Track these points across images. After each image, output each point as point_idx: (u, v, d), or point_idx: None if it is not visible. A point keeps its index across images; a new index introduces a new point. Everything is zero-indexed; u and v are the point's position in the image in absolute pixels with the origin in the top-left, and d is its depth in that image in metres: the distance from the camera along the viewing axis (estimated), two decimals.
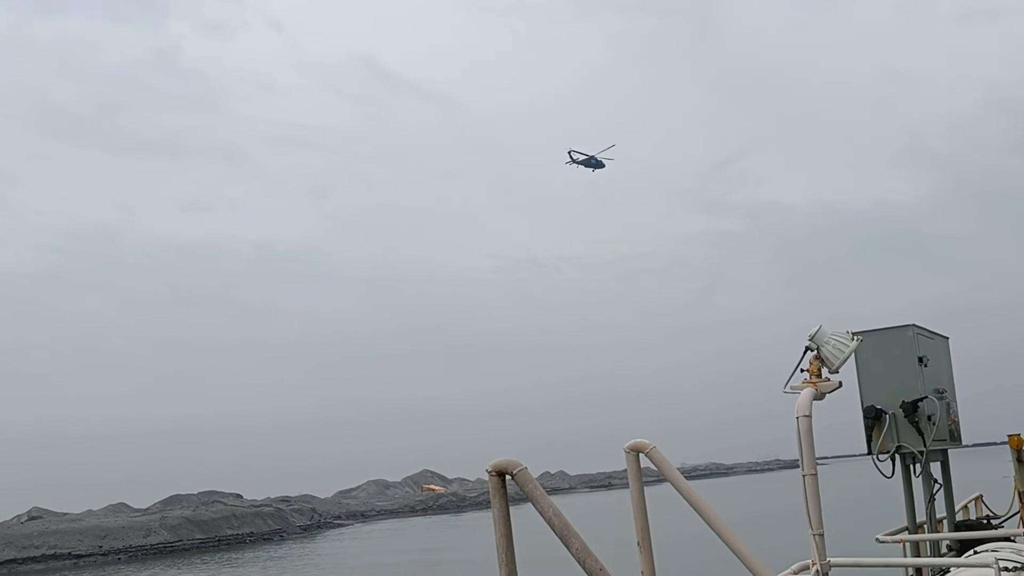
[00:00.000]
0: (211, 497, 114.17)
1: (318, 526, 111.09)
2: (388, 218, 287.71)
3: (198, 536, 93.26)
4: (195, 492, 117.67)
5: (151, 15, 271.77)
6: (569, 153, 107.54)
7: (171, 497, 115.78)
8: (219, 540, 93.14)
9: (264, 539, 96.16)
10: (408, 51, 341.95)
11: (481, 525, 73.02)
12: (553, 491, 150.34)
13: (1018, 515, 12.86)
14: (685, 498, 5.38)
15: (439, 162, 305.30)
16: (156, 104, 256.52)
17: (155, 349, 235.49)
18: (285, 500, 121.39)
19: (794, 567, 7.11)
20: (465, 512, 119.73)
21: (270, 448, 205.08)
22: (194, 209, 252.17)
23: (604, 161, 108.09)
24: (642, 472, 5.76)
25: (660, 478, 5.76)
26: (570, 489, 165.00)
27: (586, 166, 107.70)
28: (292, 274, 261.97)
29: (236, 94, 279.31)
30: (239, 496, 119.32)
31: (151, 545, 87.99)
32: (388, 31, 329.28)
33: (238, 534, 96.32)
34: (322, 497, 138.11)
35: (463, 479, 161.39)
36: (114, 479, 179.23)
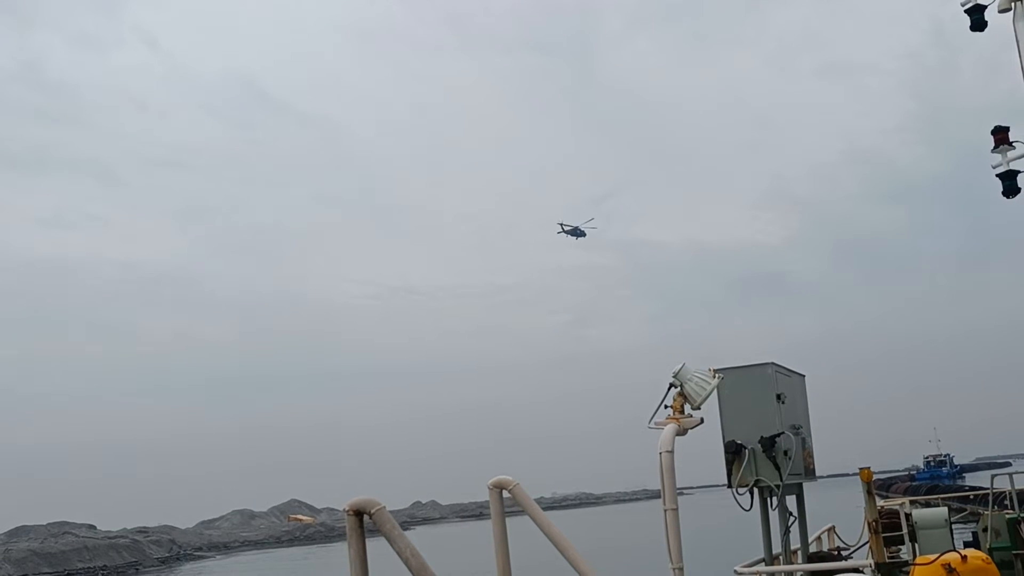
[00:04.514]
0: (61, 528, 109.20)
1: (177, 558, 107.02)
2: (264, 242, 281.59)
3: (46, 570, 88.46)
4: (44, 523, 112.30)
5: (15, 24, 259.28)
6: (560, 224, 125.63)
7: (17, 528, 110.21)
8: (69, 574, 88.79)
9: (118, 572, 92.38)
10: (290, 76, 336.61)
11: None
12: (424, 521, 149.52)
13: (867, 545, 13.47)
14: (546, 535, 5.36)
15: (318, 187, 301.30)
16: (18, 116, 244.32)
17: (5, 368, 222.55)
18: (142, 531, 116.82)
19: None
20: (334, 542, 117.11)
21: (128, 476, 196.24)
22: (55, 225, 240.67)
23: (586, 231, 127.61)
24: (504, 505, 5.74)
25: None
26: (441, 519, 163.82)
27: (571, 235, 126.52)
28: (159, 295, 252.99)
29: (106, 110, 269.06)
30: (92, 527, 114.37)
31: None
32: (269, 54, 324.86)
33: (90, 567, 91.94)
34: (183, 528, 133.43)
35: (332, 509, 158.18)
36: None
